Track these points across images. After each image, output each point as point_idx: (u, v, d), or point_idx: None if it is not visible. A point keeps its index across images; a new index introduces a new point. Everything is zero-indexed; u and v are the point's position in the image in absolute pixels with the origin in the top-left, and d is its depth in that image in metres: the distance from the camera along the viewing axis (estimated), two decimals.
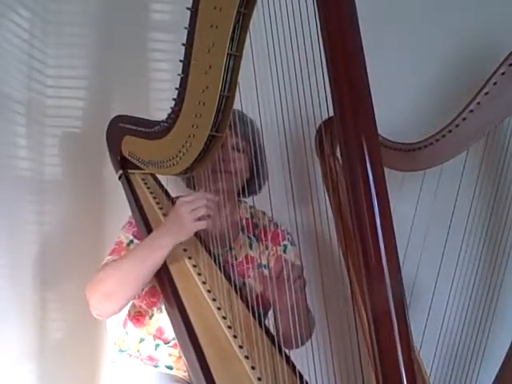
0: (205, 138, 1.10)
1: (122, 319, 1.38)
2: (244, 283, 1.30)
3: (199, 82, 1.08)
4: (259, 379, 1.07)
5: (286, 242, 1.38)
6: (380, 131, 0.82)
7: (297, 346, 1.16)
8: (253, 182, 1.34)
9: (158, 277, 1.20)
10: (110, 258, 1.28)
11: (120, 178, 1.40)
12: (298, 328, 1.09)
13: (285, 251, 1.37)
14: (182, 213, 1.15)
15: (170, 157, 1.19)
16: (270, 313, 1.29)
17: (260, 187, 1.35)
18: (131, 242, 1.31)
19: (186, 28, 1.07)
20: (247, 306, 1.20)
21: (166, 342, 1.28)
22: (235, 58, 1.04)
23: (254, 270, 1.33)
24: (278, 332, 1.20)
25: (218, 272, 1.24)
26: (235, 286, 1.23)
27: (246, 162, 1.34)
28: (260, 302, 1.22)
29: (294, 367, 1.11)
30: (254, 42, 1.03)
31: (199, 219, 1.15)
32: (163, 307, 1.27)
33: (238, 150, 1.31)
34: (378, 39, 1.47)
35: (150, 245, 1.19)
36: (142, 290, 1.29)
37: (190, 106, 1.11)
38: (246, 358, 1.11)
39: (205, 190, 1.30)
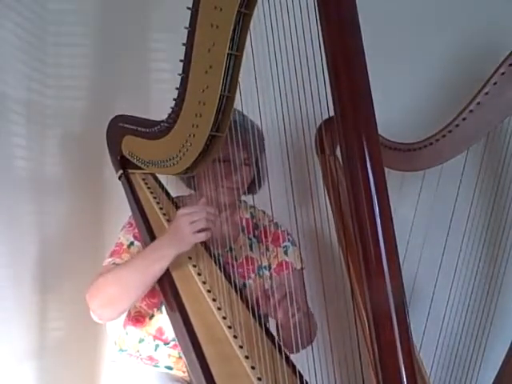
0: (205, 138, 1.10)
1: (122, 319, 1.38)
2: (244, 285, 1.30)
3: (199, 81, 1.07)
4: (259, 379, 1.07)
5: (287, 243, 1.38)
6: (380, 131, 0.82)
7: (297, 352, 1.17)
8: (253, 183, 1.34)
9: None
10: (110, 260, 1.28)
11: (120, 177, 1.40)
12: (299, 338, 1.09)
13: (286, 253, 1.37)
14: (182, 225, 1.16)
15: (171, 156, 1.19)
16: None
17: (260, 187, 1.35)
18: (132, 243, 1.31)
19: (186, 28, 1.06)
20: (247, 306, 1.20)
21: (166, 343, 1.28)
22: (236, 57, 1.04)
23: (254, 273, 1.33)
24: (279, 339, 1.20)
25: (218, 272, 1.24)
26: (235, 286, 1.23)
27: (248, 173, 1.33)
28: (261, 306, 1.22)
29: (294, 367, 1.11)
30: (255, 42, 1.02)
31: (199, 231, 1.16)
32: (163, 308, 1.27)
33: (241, 165, 1.30)
34: (379, 39, 1.47)
35: (150, 255, 1.19)
36: None
37: (190, 105, 1.11)
38: (246, 357, 1.11)
39: (207, 202, 1.31)
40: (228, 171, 1.26)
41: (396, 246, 0.79)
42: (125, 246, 1.30)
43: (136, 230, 1.31)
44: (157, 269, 1.18)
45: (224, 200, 1.29)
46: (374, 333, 0.78)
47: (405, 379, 0.77)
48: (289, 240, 1.39)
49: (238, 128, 1.16)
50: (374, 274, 0.78)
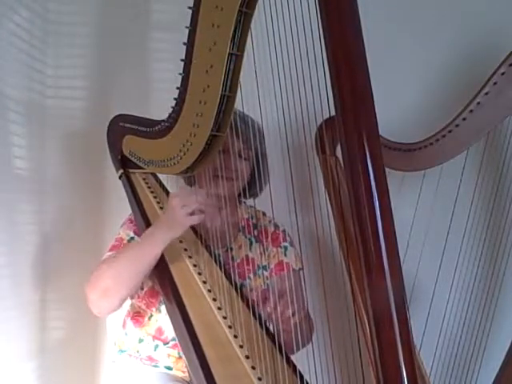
0: (206, 138, 1.10)
1: (122, 320, 1.38)
2: (243, 285, 1.30)
3: (200, 81, 1.07)
4: (259, 379, 1.07)
5: (285, 244, 1.38)
6: (380, 131, 0.82)
7: (293, 353, 1.17)
8: (254, 185, 1.34)
9: (158, 276, 1.20)
10: (110, 254, 1.28)
11: (120, 177, 1.40)
12: (294, 340, 1.09)
13: (285, 253, 1.37)
14: (174, 208, 1.15)
15: (171, 156, 1.19)
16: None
17: (261, 190, 1.35)
18: (132, 238, 1.30)
19: (187, 27, 1.07)
20: (247, 306, 1.20)
21: (165, 343, 1.28)
22: (236, 57, 1.04)
23: (253, 273, 1.33)
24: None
25: (219, 271, 1.24)
26: (235, 285, 1.23)
27: (247, 168, 1.33)
28: (261, 306, 1.22)
29: (294, 367, 1.11)
30: (256, 42, 1.03)
31: (191, 214, 1.15)
32: (162, 308, 1.27)
33: (240, 157, 1.30)
34: (379, 39, 1.47)
35: (144, 242, 1.19)
36: (142, 290, 1.29)
37: (191, 105, 1.11)
38: (247, 357, 1.10)
39: (206, 195, 1.31)
40: (226, 162, 1.25)
41: (396, 246, 0.79)
42: (125, 241, 1.30)
43: (136, 227, 1.31)
44: (149, 257, 1.17)
45: (223, 192, 1.29)
46: (374, 332, 0.78)
47: (405, 379, 0.77)
48: (288, 240, 1.39)
49: (238, 120, 1.17)
50: (374, 273, 0.78)
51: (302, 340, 1.10)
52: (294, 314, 1.09)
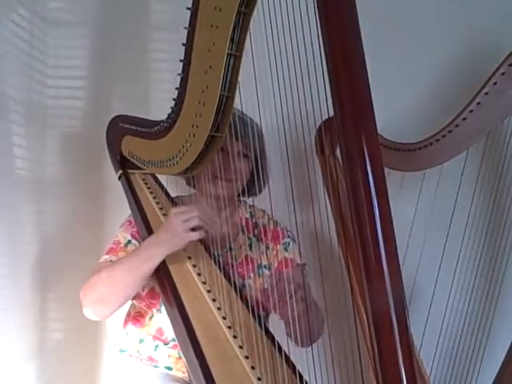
0: (205, 138, 1.10)
1: (122, 319, 1.38)
2: (244, 284, 1.30)
3: (199, 81, 1.08)
4: (259, 379, 1.07)
5: (287, 240, 1.38)
6: (380, 131, 0.82)
7: (309, 345, 1.17)
8: (253, 185, 1.34)
9: (157, 277, 1.20)
10: (106, 257, 1.28)
11: (120, 177, 1.40)
12: (303, 331, 1.08)
13: (286, 249, 1.37)
14: (175, 223, 1.15)
15: (170, 157, 1.19)
16: (271, 315, 1.29)
17: (260, 190, 1.35)
18: (129, 242, 1.30)
19: (186, 28, 1.07)
20: (247, 306, 1.20)
21: (166, 343, 1.28)
22: (235, 57, 1.04)
23: (254, 273, 1.33)
24: (289, 336, 1.19)
25: (218, 272, 1.24)
26: (235, 286, 1.23)
27: (247, 168, 1.33)
28: (260, 305, 1.22)
29: (293, 367, 1.11)
30: (254, 42, 1.03)
31: (192, 230, 1.15)
32: (163, 309, 1.27)
33: (239, 157, 1.30)
34: (378, 39, 1.47)
35: (141, 254, 1.19)
36: (143, 291, 1.29)
37: (190, 105, 1.11)
38: (246, 357, 1.11)
39: (205, 195, 1.31)
40: (225, 162, 1.25)
41: (396, 247, 0.78)
42: (122, 245, 1.30)
43: (135, 229, 1.31)
44: (144, 269, 1.18)
45: (223, 193, 1.29)
46: (373, 334, 0.78)
47: (405, 380, 0.77)
48: (289, 236, 1.39)
49: (236, 119, 1.17)
50: (373, 275, 0.77)
51: (313, 330, 1.09)
52: (300, 307, 1.08)
